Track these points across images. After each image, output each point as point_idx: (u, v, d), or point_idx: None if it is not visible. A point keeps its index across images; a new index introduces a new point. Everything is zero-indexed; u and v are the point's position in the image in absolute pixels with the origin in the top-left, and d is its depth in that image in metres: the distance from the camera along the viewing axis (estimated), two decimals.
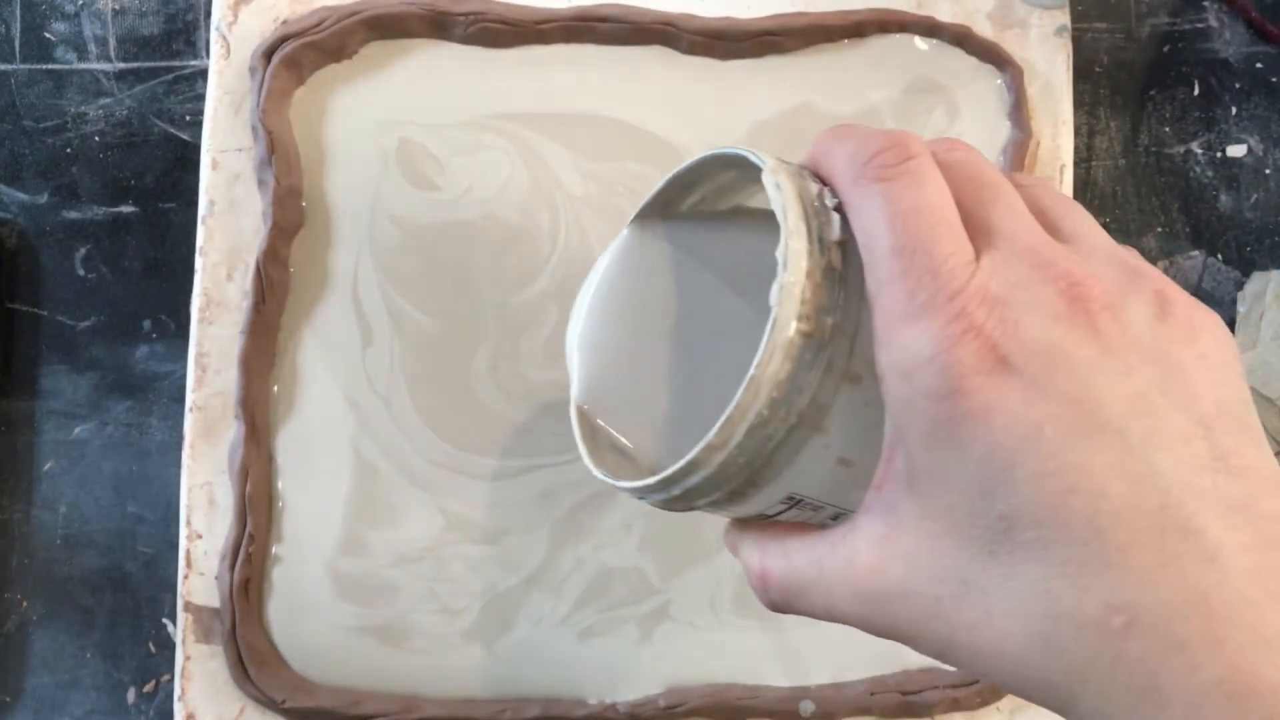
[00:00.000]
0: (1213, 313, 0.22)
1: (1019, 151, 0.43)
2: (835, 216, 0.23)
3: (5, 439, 0.45)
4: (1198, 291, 0.46)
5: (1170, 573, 0.19)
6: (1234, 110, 0.47)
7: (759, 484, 0.23)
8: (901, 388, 0.21)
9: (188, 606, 0.41)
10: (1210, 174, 0.47)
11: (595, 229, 0.43)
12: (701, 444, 0.22)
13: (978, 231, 0.22)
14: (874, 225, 0.21)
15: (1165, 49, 0.47)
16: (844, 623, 0.23)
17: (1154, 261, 0.46)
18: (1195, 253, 0.46)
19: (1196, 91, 0.47)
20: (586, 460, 0.27)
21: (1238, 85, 0.47)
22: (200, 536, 0.41)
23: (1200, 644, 0.18)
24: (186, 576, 0.41)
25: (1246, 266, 0.46)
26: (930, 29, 0.44)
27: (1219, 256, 0.46)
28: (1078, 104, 0.45)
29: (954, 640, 0.21)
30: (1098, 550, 0.19)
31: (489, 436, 0.42)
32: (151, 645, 0.44)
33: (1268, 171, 0.47)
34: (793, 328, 0.21)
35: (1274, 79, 0.47)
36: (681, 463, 0.23)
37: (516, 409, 0.43)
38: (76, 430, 0.45)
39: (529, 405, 0.43)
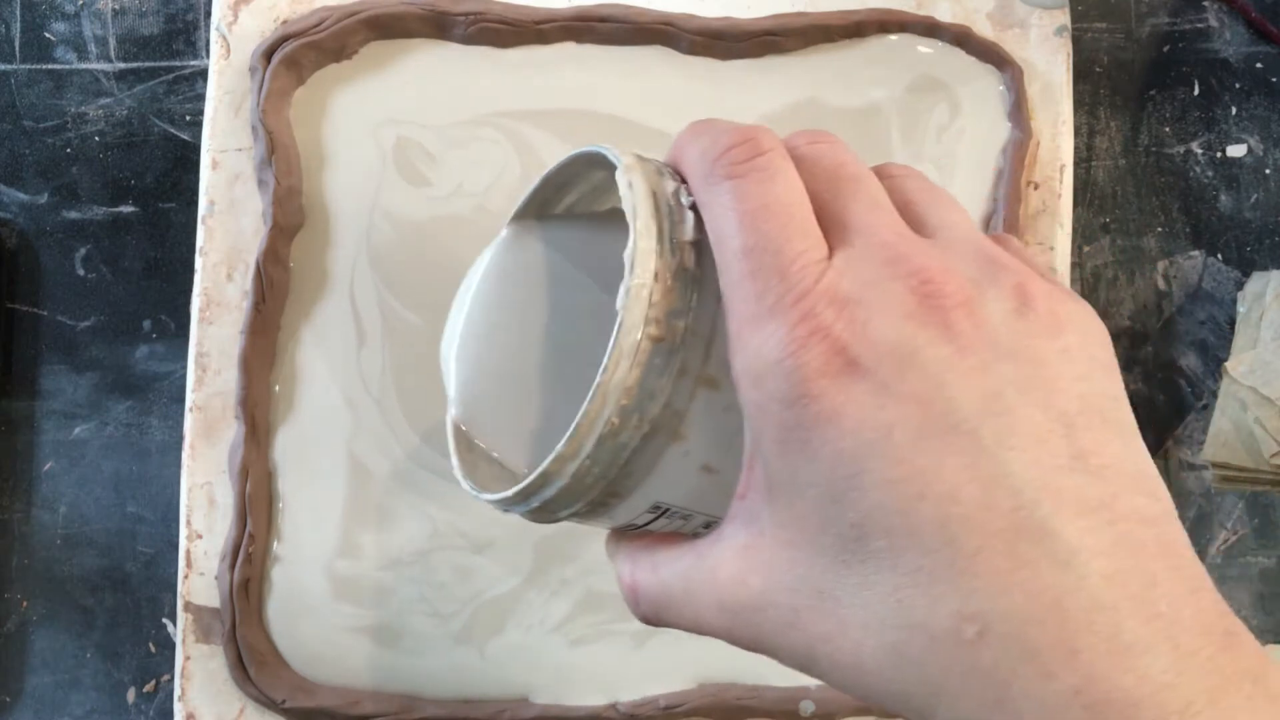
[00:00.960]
0: (1083, 304, 0.21)
1: (1019, 151, 0.43)
2: (690, 215, 0.22)
3: (5, 439, 0.45)
4: (1198, 291, 0.46)
5: (1022, 578, 0.18)
6: (1234, 110, 0.47)
7: (620, 494, 0.23)
8: (753, 393, 0.20)
9: (188, 606, 0.41)
10: (1210, 174, 0.47)
11: None
12: (551, 455, 0.22)
13: (832, 227, 0.21)
14: (723, 224, 0.21)
15: (1165, 49, 0.47)
16: (712, 635, 0.23)
17: (1154, 262, 0.46)
18: (1195, 252, 0.46)
19: (1196, 91, 0.47)
20: (457, 472, 0.26)
21: (1238, 85, 0.47)
22: (200, 536, 0.41)
23: (1054, 652, 0.18)
24: (186, 576, 0.41)
25: (1246, 266, 0.46)
26: (930, 29, 0.44)
27: (1219, 256, 0.46)
28: (1078, 104, 0.45)
29: (813, 653, 0.20)
30: (948, 557, 0.18)
31: None
32: (151, 645, 0.44)
33: (1268, 171, 0.47)
34: (639, 332, 0.21)
35: (1274, 79, 0.47)
36: (534, 475, 0.22)
37: None
38: (76, 430, 0.45)
39: None
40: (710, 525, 0.24)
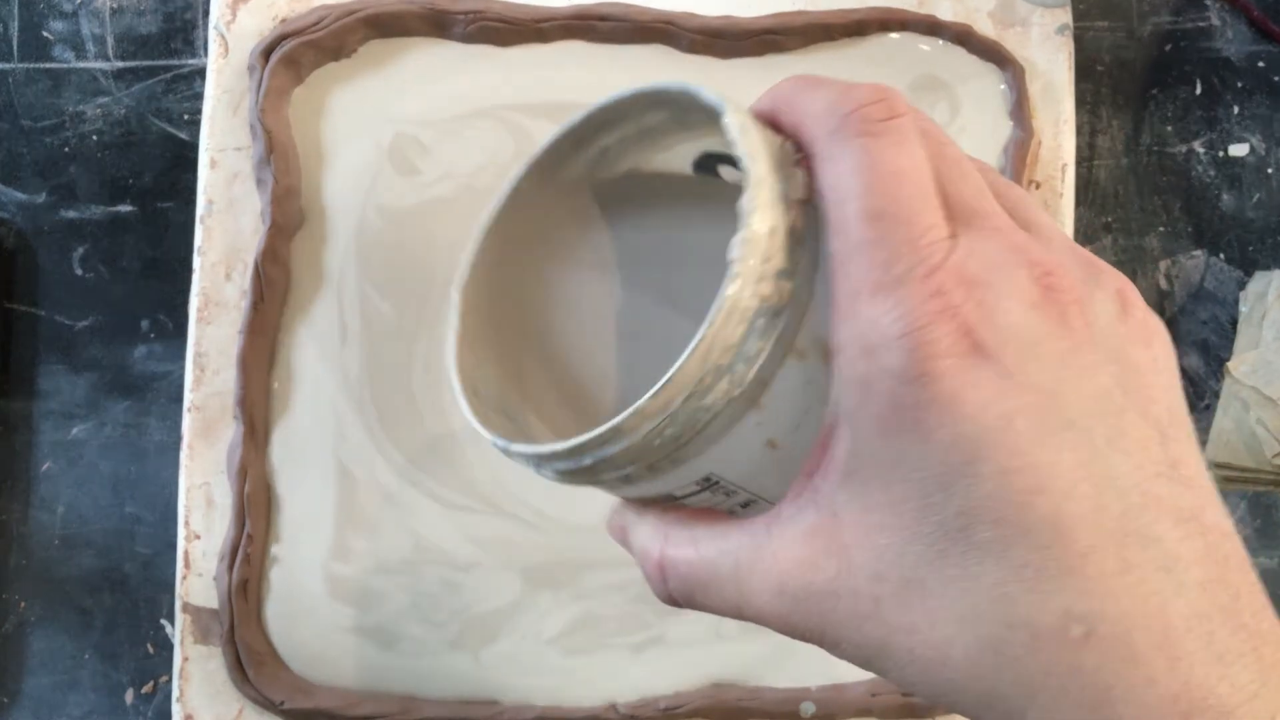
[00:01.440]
0: (1158, 318, 0.22)
1: (1020, 150, 0.43)
2: (800, 173, 0.21)
3: (3, 439, 0.45)
4: (1200, 291, 0.46)
5: (1129, 582, 0.18)
6: (1236, 109, 0.47)
7: (680, 460, 0.21)
8: (861, 365, 0.19)
9: (186, 607, 0.41)
10: (1212, 173, 0.46)
11: None
12: (632, 409, 0.20)
13: (952, 207, 0.20)
14: (850, 184, 0.20)
15: (1167, 48, 0.47)
16: (756, 622, 0.22)
17: (1156, 261, 0.46)
18: (1197, 252, 0.46)
19: (1198, 90, 0.47)
20: (472, 419, 0.23)
21: (1240, 84, 0.47)
22: (198, 537, 0.41)
23: (1157, 658, 0.18)
24: (185, 577, 0.41)
25: (1249, 266, 0.46)
26: (931, 28, 0.43)
27: (1221, 256, 0.46)
28: (1079, 103, 0.45)
29: (889, 645, 0.20)
30: (1059, 555, 0.18)
31: (433, 453, 0.42)
32: (150, 646, 0.44)
33: (1270, 171, 0.46)
34: (752, 288, 0.19)
35: (1276, 78, 0.47)
36: (603, 428, 0.20)
37: (444, 421, 0.42)
38: (74, 430, 0.45)
39: (451, 419, 0.42)
40: (749, 505, 0.23)
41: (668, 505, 0.23)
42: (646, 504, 0.24)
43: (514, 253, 0.26)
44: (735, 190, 0.22)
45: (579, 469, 0.22)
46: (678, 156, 0.25)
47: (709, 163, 0.25)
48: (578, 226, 0.26)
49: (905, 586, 0.19)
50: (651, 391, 0.20)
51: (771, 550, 0.21)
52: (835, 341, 0.20)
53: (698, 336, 0.19)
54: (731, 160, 0.23)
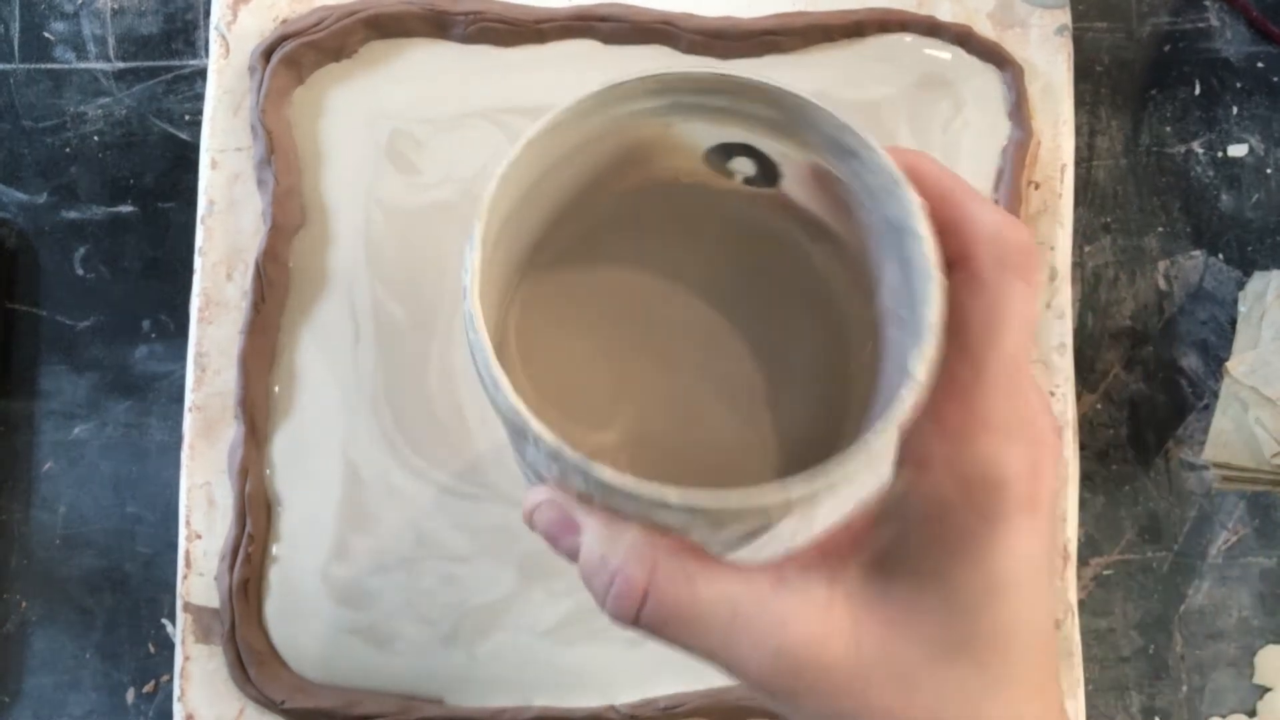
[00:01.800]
0: None
1: (1020, 151, 0.43)
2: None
3: (4, 439, 0.45)
4: (1199, 291, 0.46)
5: (1046, 695, 0.23)
6: (1235, 110, 0.47)
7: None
8: (950, 488, 0.21)
9: (187, 607, 0.41)
10: (1211, 173, 0.46)
11: None
12: (799, 490, 0.20)
13: None
14: (1001, 318, 0.21)
15: (1166, 48, 0.47)
16: (724, 668, 0.22)
17: (1155, 261, 0.46)
18: (1196, 252, 0.46)
19: (1197, 91, 0.47)
20: (520, 409, 0.21)
21: (1239, 85, 0.47)
22: (199, 537, 0.41)
23: None
24: (186, 577, 0.41)
25: (1248, 266, 0.46)
26: (931, 28, 0.44)
27: (1220, 256, 0.46)
28: (1079, 103, 0.45)
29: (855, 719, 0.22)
30: (1017, 672, 0.22)
31: (443, 445, 0.42)
32: (151, 646, 0.44)
33: (1269, 171, 0.46)
34: (918, 394, 0.20)
35: (1275, 78, 0.47)
36: (763, 500, 0.20)
37: (459, 416, 0.42)
38: (76, 430, 0.45)
39: (467, 413, 0.42)
40: (699, 543, 0.23)
41: (651, 528, 0.22)
42: (626, 520, 0.22)
43: (538, 180, 0.24)
44: (716, 183, 0.23)
45: (658, 511, 0.21)
46: (716, 135, 0.25)
47: (731, 150, 0.25)
48: (595, 174, 0.25)
49: (898, 678, 0.21)
50: (826, 474, 0.20)
51: (777, 612, 0.22)
52: (920, 451, 0.21)
53: (875, 435, 0.20)
54: (754, 155, 0.24)
